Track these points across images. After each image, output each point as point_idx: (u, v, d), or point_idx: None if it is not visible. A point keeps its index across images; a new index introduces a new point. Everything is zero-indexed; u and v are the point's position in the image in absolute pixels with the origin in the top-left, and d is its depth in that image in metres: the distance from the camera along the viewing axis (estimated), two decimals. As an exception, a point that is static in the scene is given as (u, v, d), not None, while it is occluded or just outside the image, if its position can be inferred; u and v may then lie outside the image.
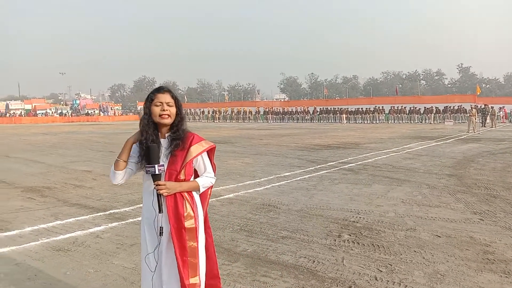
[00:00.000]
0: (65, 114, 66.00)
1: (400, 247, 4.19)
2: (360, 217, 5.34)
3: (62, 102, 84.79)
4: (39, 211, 5.95)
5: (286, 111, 52.85)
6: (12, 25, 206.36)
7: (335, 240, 4.46)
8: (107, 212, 5.80)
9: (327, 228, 4.88)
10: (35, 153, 14.38)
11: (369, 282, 3.37)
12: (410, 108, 42.43)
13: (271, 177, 8.51)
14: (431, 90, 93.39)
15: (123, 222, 5.31)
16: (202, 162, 2.34)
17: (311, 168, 9.71)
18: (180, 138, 2.25)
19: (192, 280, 2.22)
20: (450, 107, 40.76)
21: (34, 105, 70.19)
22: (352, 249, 4.16)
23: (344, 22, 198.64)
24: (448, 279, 3.40)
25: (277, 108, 55.71)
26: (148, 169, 2.15)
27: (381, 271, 3.60)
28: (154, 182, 2.15)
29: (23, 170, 10.21)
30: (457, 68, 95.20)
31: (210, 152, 2.38)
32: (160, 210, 2.16)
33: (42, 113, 65.41)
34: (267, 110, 54.83)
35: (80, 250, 4.27)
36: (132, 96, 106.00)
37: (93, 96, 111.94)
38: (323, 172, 9.16)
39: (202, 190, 2.32)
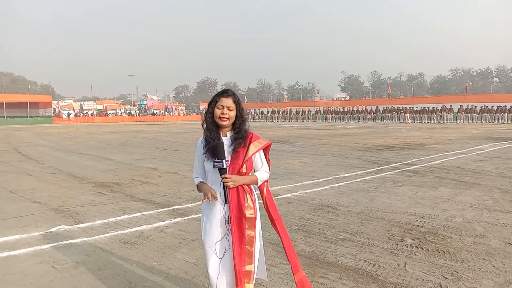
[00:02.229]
0: (133, 114, 69.43)
1: (468, 254, 3.97)
2: (424, 222, 5.12)
3: (130, 103, 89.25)
4: (108, 205, 6.33)
5: (346, 110, 51.82)
6: (86, 35, 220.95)
7: (397, 244, 4.31)
8: (170, 208, 6.04)
9: (389, 232, 4.73)
10: (106, 150, 15.29)
11: (433, 289, 3.22)
12: (481, 107, 39.91)
13: (330, 178, 8.39)
14: (505, 88, 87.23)
15: (186, 218, 5.50)
16: (259, 159, 2.54)
17: (372, 170, 9.45)
18: (242, 137, 2.47)
19: (248, 268, 2.38)
20: (526, 106, 37.77)
21: (105, 106, 74.44)
22: (415, 254, 4.00)
23: (409, 18, 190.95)
24: (522, 290, 3.17)
25: (336, 108, 54.77)
26: (216, 163, 2.36)
27: (446, 278, 3.43)
28: (221, 175, 2.37)
29: (95, 166, 10.90)
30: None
31: (266, 149, 2.59)
32: (226, 201, 2.39)
33: (112, 113, 69.29)
34: (326, 109, 54.09)
35: (145, 244, 4.48)
36: (195, 96, 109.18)
37: (159, 97, 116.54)
38: (386, 173, 8.88)
39: (259, 183, 2.52)
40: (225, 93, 2.49)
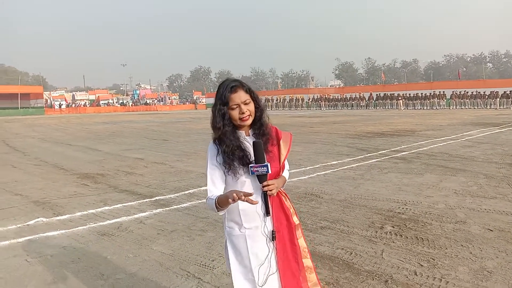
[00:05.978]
0: (126, 104, 68.95)
1: (447, 241, 3.94)
2: (406, 208, 5.09)
3: (123, 93, 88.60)
4: (90, 196, 6.25)
5: (340, 97, 51.68)
6: (78, 24, 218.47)
7: (377, 232, 4.28)
8: (153, 199, 5.97)
9: (369, 219, 4.70)
10: (95, 141, 15.16)
11: (407, 277, 3.19)
12: (472, 92, 39.92)
13: (317, 166, 8.35)
14: (499, 73, 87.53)
15: (167, 208, 5.44)
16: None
17: (360, 157, 9.42)
18: (268, 134, 2.01)
19: (311, 285, 2.07)
20: (519, 90, 37.81)
21: (98, 96, 73.87)
22: (393, 242, 3.97)
23: (403, 2, 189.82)
24: (495, 276, 3.14)
25: (329, 95, 54.53)
26: (257, 169, 1.84)
27: (422, 265, 3.40)
28: (261, 183, 1.87)
29: (81, 157, 10.79)
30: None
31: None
32: (268, 213, 1.92)
33: (105, 103, 68.78)
34: (317, 97, 53.86)
35: (123, 235, 4.42)
36: (189, 85, 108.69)
37: (152, 86, 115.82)
38: (373, 160, 8.85)
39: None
40: (231, 88, 1.91)
